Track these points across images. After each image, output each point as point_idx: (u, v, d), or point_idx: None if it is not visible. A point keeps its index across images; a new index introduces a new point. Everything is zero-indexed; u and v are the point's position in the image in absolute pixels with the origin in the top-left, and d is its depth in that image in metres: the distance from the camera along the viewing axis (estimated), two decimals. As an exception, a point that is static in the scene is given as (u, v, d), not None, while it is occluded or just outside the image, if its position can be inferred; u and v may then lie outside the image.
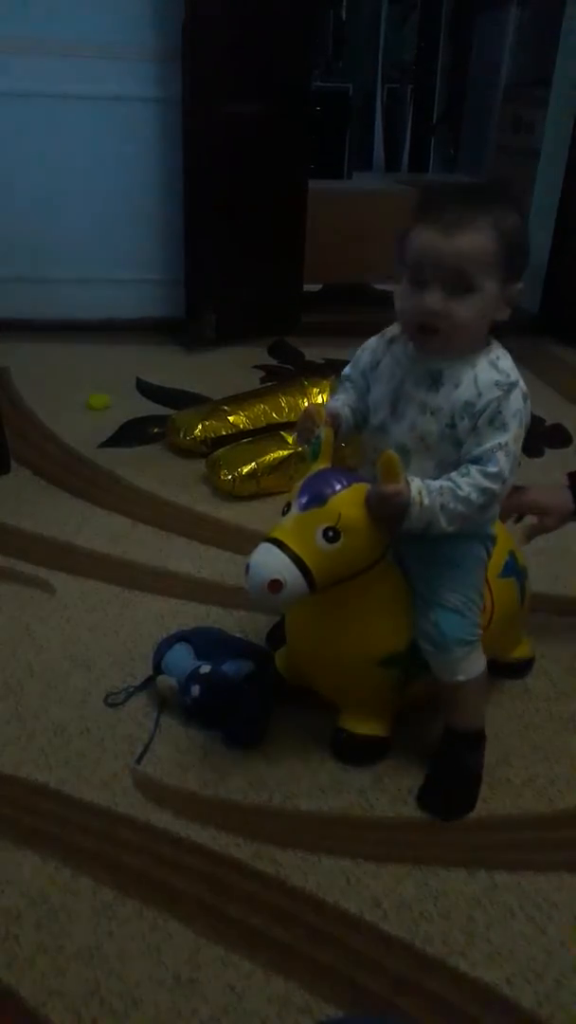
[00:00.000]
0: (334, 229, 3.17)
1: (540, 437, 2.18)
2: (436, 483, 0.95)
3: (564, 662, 1.34)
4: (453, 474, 0.96)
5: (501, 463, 0.94)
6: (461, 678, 1.05)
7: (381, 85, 4.27)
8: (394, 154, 4.38)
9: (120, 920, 0.91)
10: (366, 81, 4.19)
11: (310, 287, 3.14)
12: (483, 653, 1.06)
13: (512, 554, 1.18)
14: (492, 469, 0.94)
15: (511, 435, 0.95)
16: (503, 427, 0.95)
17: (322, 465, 1.02)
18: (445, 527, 0.95)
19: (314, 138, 3.01)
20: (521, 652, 1.29)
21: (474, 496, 0.94)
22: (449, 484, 0.95)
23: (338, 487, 0.97)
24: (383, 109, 4.29)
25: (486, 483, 0.94)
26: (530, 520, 1.27)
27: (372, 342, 1.09)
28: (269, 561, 0.94)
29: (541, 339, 2.99)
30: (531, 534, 1.26)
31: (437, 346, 0.96)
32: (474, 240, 0.90)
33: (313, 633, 1.09)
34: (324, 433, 1.03)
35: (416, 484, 0.94)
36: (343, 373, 1.12)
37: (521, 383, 0.96)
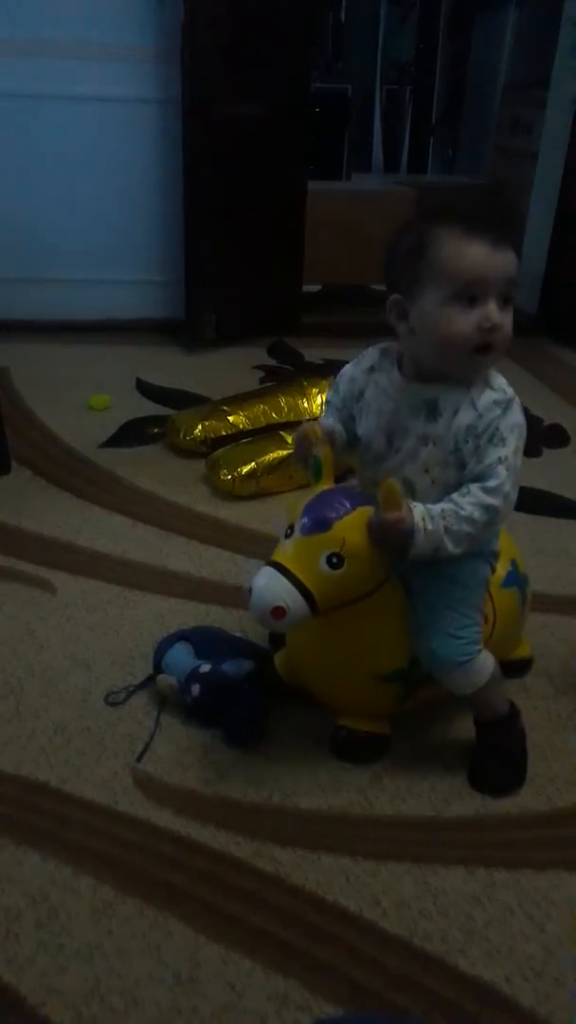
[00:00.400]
0: (333, 230, 3.17)
1: (538, 437, 2.18)
2: (438, 507, 0.95)
3: (563, 661, 1.35)
4: (454, 495, 0.95)
5: (501, 477, 0.94)
6: (468, 691, 1.05)
7: (380, 86, 4.28)
8: (393, 155, 4.38)
9: (120, 918, 0.91)
10: (365, 82, 4.19)
11: (309, 288, 3.15)
12: (489, 657, 1.06)
13: (514, 563, 1.18)
14: (492, 484, 0.94)
15: (510, 448, 0.94)
16: (502, 442, 0.94)
17: (325, 485, 1.01)
18: (452, 550, 0.95)
19: (313, 139, 3.01)
20: (520, 652, 1.29)
21: (477, 514, 0.94)
22: (451, 506, 0.94)
23: (343, 511, 0.96)
24: (382, 110, 4.29)
25: (488, 499, 0.94)
26: None
27: (349, 370, 1.07)
28: (272, 587, 0.93)
29: (539, 340, 2.99)
30: None
31: (488, 366, 0.95)
32: (513, 252, 0.91)
33: (314, 647, 1.09)
34: (323, 452, 1.02)
35: (419, 510, 0.94)
36: (327, 398, 1.12)
37: (517, 398, 0.97)
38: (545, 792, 1.10)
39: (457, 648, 1.01)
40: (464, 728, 1.16)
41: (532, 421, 2.26)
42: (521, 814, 1.06)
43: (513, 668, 1.28)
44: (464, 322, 0.91)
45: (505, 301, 0.92)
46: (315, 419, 1.12)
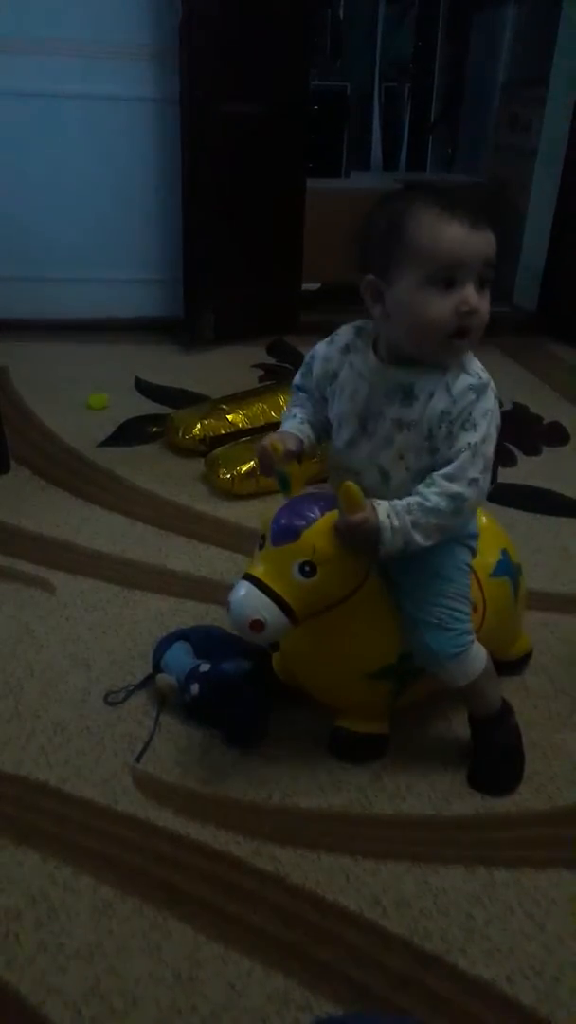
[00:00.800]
0: (332, 228, 3.16)
1: (538, 435, 2.18)
2: (403, 501, 0.93)
3: (562, 660, 1.35)
4: (420, 486, 0.93)
5: (463, 462, 0.91)
6: (463, 683, 1.05)
7: (379, 84, 4.27)
8: (392, 153, 4.37)
9: (120, 918, 0.91)
10: (364, 80, 4.18)
11: (308, 286, 3.14)
12: (481, 648, 1.06)
13: (505, 552, 1.18)
14: (456, 471, 0.91)
15: (480, 435, 0.92)
16: (473, 427, 0.92)
17: (296, 493, 1.00)
18: (423, 543, 0.93)
19: (312, 137, 3.01)
20: (518, 648, 1.29)
21: (444, 504, 0.92)
22: (417, 499, 0.92)
23: (311, 518, 0.95)
24: (381, 108, 4.28)
25: (454, 487, 0.92)
26: None
27: (322, 350, 1.04)
28: (248, 601, 0.94)
29: (539, 337, 2.98)
30: None
31: (466, 350, 0.93)
32: (491, 232, 0.88)
33: (304, 650, 1.09)
34: (288, 469, 1.00)
35: (383, 508, 0.92)
36: (295, 383, 1.08)
37: (492, 383, 0.94)
38: (545, 791, 1.10)
39: (450, 640, 1.01)
40: (463, 727, 1.16)
41: (532, 419, 2.28)
42: (521, 813, 1.06)
43: (512, 665, 1.28)
44: (441, 306, 0.88)
45: (483, 283, 0.89)
46: (277, 428, 1.07)
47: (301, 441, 1.04)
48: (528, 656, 1.31)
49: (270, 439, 1.02)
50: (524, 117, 3.37)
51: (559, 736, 1.19)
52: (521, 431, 2.18)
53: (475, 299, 0.88)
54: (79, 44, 2.64)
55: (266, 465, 1.03)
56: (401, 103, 4.35)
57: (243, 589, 0.95)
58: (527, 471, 2.00)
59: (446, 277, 0.87)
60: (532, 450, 2.11)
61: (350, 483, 0.92)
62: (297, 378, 1.09)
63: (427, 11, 4.18)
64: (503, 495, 1.83)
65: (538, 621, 1.40)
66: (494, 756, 1.11)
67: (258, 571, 0.95)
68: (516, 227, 3.30)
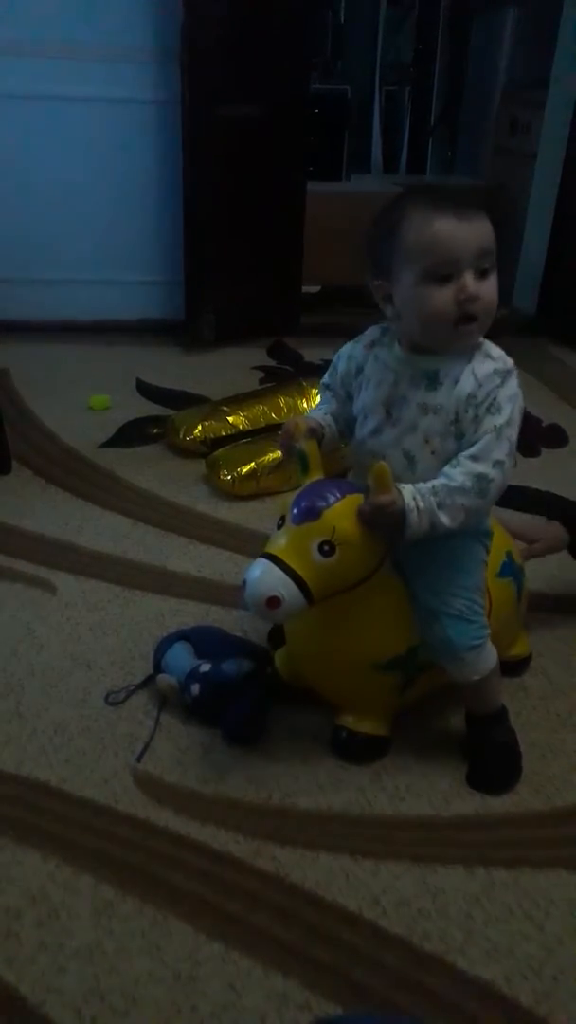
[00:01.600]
0: (332, 231, 3.17)
1: (537, 437, 2.19)
2: (428, 484, 0.95)
3: (561, 660, 1.35)
4: (446, 468, 0.96)
5: (489, 443, 0.94)
6: (476, 678, 1.06)
7: (379, 87, 4.27)
8: (392, 156, 4.38)
9: (120, 917, 0.91)
10: (364, 83, 4.19)
11: (309, 288, 3.15)
12: (492, 646, 1.07)
13: (509, 554, 1.19)
14: (479, 451, 0.94)
15: (505, 418, 0.94)
16: (498, 410, 0.94)
17: (314, 477, 1.02)
18: (449, 525, 0.95)
19: (312, 140, 3.01)
20: (518, 649, 1.29)
21: (469, 484, 0.94)
22: (442, 480, 0.95)
23: (332, 499, 0.96)
24: (381, 111, 4.29)
25: (479, 468, 0.94)
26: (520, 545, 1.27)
27: (347, 349, 1.08)
28: (266, 578, 0.94)
29: (538, 340, 2.99)
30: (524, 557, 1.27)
31: (475, 337, 0.95)
32: (486, 221, 0.91)
33: (313, 638, 1.09)
34: (307, 447, 1.02)
35: (408, 490, 0.94)
36: (323, 381, 1.12)
37: (514, 367, 0.97)
38: (544, 791, 1.10)
39: (471, 631, 1.02)
40: (463, 727, 1.16)
41: (531, 421, 2.28)
42: (520, 813, 1.07)
43: (511, 666, 1.28)
44: (441, 298, 0.91)
45: (484, 272, 0.91)
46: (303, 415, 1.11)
47: (323, 426, 1.07)
48: (528, 659, 1.31)
49: (294, 418, 1.06)
50: (524, 120, 3.37)
51: (557, 736, 1.19)
52: (520, 432, 2.17)
53: (473, 286, 0.90)
54: (80, 46, 2.65)
55: (288, 445, 1.05)
56: (401, 106, 4.36)
57: (261, 566, 0.95)
58: (526, 473, 2.00)
59: (441, 272, 0.90)
60: (531, 452, 2.12)
61: (383, 463, 0.93)
62: (325, 377, 1.12)
63: (427, 14, 4.19)
64: (504, 495, 1.82)
65: (538, 621, 1.40)
66: (493, 755, 1.12)
67: (277, 548, 0.96)
68: (516, 229, 3.30)
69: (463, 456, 0.95)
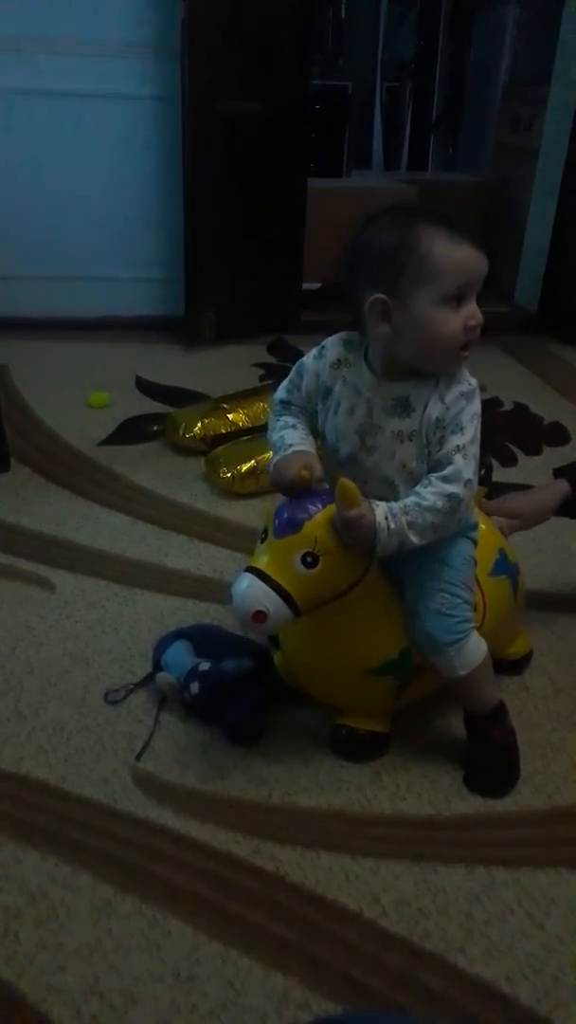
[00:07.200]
0: (333, 227, 3.16)
1: (539, 435, 2.18)
2: (400, 503, 0.96)
3: (562, 659, 1.35)
4: (417, 487, 0.97)
5: (459, 464, 0.96)
6: (462, 672, 1.05)
7: (380, 84, 4.27)
8: (393, 152, 4.37)
9: (119, 916, 0.91)
10: (365, 79, 4.18)
11: (309, 285, 3.14)
12: (482, 641, 1.06)
13: (503, 552, 1.18)
14: (451, 472, 0.95)
15: (468, 437, 0.96)
16: (460, 430, 0.96)
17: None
18: (417, 542, 0.96)
19: (313, 136, 3.01)
20: (518, 648, 1.29)
21: (440, 503, 0.95)
22: (413, 499, 0.96)
23: (313, 511, 0.96)
24: (382, 107, 4.28)
25: (449, 488, 0.95)
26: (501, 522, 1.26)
27: (311, 364, 1.04)
28: (251, 592, 0.94)
29: (540, 338, 2.98)
30: (507, 533, 1.26)
31: (464, 361, 0.97)
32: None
33: (305, 646, 1.09)
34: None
35: (381, 509, 0.95)
36: (280, 398, 1.07)
37: (478, 386, 0.98)
38: (545, 790, 1.10)
39: (449, 627, 1.02)
40: (463, 727, 1.16)
41: (533, 419, 2.28)
42: (521, 812, 1.06)
43: (512, 665, 1.28)
44: (455, 322, 0.93)
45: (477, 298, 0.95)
46: (298, 451, 1.01)
47: (315, 455, 1.03)
48: (528, 657, 1.31)
49: (296, 470, 0.98)
50: (526, 117, 3.37)
51: (558, 736, 1.19)
52: (522, 431, 2.18)
53: (480, 314, 0.93)
54: (80, 43, 2.64)
55: (288, 490, 1.00)
56: (402, 102, 4.35)
57: (246, 581, 0.96)
58: (528, 471, 2.00)
59: (457, 295, 0.92)
60: (533, 450, 2.11)
61: (346, 480, 0.93)
62: (282, 393, 1.08)
63: (429, 10, 4.18)
64: (503, 495, 1.82)
65: (538, 621, 1.40)
66: (490, 756, 1.11)
67: (261, 563, 0.96)
68: (517, 226, 3.30)
69: (435, 477, 0.96)
